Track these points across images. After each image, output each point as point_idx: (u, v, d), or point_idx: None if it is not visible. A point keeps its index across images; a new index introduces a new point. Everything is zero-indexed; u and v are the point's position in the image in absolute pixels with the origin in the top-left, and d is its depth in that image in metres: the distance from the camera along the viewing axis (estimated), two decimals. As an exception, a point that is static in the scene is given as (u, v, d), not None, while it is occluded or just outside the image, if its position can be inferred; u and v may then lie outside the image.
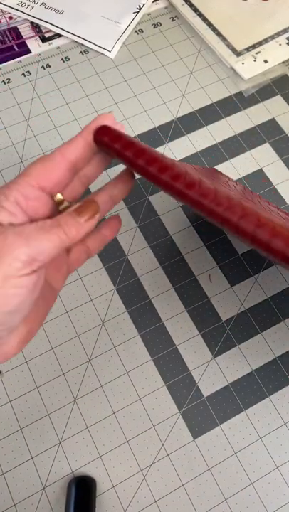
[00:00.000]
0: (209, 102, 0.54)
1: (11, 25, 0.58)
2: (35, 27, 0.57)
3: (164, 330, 0.43)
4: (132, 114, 0.53)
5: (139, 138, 0.52)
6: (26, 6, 0.58)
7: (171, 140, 0.52)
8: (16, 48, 0.56)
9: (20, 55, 0.56)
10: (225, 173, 0.50)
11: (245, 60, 0.55)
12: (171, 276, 0.45)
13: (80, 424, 0.40)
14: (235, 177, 0.50)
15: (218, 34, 0.56)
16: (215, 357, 0.43)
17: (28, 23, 0.58)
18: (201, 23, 0.57)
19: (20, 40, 0.57)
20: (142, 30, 0.58)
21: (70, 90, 0.54)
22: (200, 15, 0.58)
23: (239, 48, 0.56)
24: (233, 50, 0.56)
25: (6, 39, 0.57)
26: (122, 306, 0.44)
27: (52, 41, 0.57)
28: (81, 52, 0.56)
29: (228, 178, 0.41)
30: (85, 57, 0.56)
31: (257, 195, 0.40)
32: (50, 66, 0.55)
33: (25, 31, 0.57)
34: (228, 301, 0.44)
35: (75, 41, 0.57)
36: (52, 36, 0.57)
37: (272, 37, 0.56)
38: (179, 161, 0.50)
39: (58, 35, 0.57)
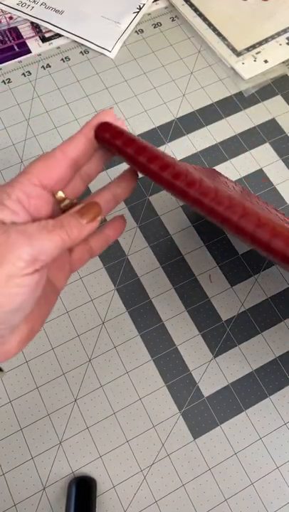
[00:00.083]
0: (209, 102, 0.54)
1: (11, 25, 0.58)
2: (36, 27, 0.57)
3: (164, 330, 0.43)
4: (132, 114, 0.53)
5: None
6: (26, 6, 0.58)
7: (171, 140, 0.52)
8: (16, 47, 0.56)
9: (21, 55, 0.56)
10: (225, 174, 0.50)
11: (246, 60, 0.55)
12: (171, 276, 0.45)
13: (81, 424, 0.40)
14: (235, 177, 0.50)
15: (218, 34, 0.56)
16: (215, 357, 0.43)
17: (28, 23, 0.58)
18: (201, 23, 0.57)
19: (21, 40, 0.57)
20: (142, 30, 0.58)
21: (70, 90, 0.54)
22: (200, 15, 0.58)
23: (239, 47, 0.56)
24: (233, 50, 0.56)
25: (6, 39, 0.57)
26: (122, 306, 0.44)
27: (52, 41, 0.57)
28: (81, 52, 0.56)
29: (227, 178, 0.41)
30: (85, 57, 0.56)
31: (255, 196, 0.40)
32: (50, 66, 0.55)
33: (26, 31, 0.57)
34: (228, 301, 0.44)
35: (75, 41, 0.57)
36: (52, 36, 0.57)
37: (273, 37, 0.56)
38: (179, 161, 0.50)
39: (58, 35, 0.57)
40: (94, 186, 0.45)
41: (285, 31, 0.57)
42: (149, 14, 0.59)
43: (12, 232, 0.21)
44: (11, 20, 0.58)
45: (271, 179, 0.50)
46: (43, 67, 0.55)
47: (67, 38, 0.57)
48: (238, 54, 0.55)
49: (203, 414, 0.41)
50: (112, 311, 0.44)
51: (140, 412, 0.41)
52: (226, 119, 0.53)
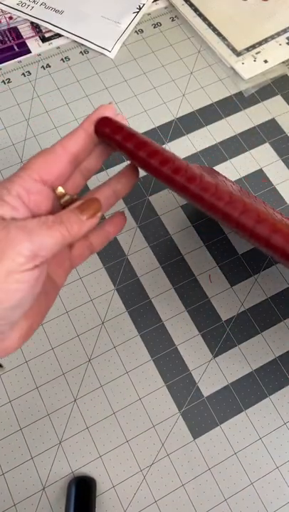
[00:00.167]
0: (209, 102, 0.54)
1: (11, 25, 0.58)
2: (35, 27, 0.58)
3: (164, 330, 0.43)
4: (132, 114, 0.53)
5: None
6: (26, 6, 0.58)
7: (171, 140, 0.52)
8: (16, 48, 0.56)
9: (21, 55, 0.56)
10: (225, 174, 0.50)
11: (245, 60, 0.55)
12: (171, 276, 0.45)
13: (80, 424, 0.40)
14: (235, 177, 0.50)
15: (218, 34, 0.56)
16: (215, 357, 0.42)
17: (28, 23, 0.58)
18: (201, 23, 0.57)
19: (20, 40, 0.57)
20: (142, 30, 0.58)
21: (70, 90, 0.54)
22: (200, 15, 0.58)
23: (239, 48, 0.56)
24: (233, 50, 0.56)
25: (6, 39, 0.57)
26: (122, 306, 0.44)
27: (52, 41, 0.57)
28: (81, 52, 0.56)
29: (225, 178, 0.41)
30: (85, 57, 0.56)
31: (253, 197, 0.40)
32: (50, 66, 0.55)
33: (25, 31, 0.57)
34: (228, 301, 0.44)
35: (75, 41, 0.57)
36: (52, 36, 0.57)
37: (272, 37, 0.56)
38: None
39: (58, 35, 0.57)
40: (92, 185, 0.45)
41: (285, 31, 0.57)
42: (148, 14, 0.59)
43: (12, 227, 0.21)
44: (11, 20, 0.58)
45: (271, 179, 0.50)
46: (42, 67, 0.55)
47: (67, 38, 0.57)
48: (238, 54, 0.55)
49: (203, 414, 0.41)
50: (111, 311, 0.44)
51: (140, 412, 0.41)
52: (226, 119, 0.53)
